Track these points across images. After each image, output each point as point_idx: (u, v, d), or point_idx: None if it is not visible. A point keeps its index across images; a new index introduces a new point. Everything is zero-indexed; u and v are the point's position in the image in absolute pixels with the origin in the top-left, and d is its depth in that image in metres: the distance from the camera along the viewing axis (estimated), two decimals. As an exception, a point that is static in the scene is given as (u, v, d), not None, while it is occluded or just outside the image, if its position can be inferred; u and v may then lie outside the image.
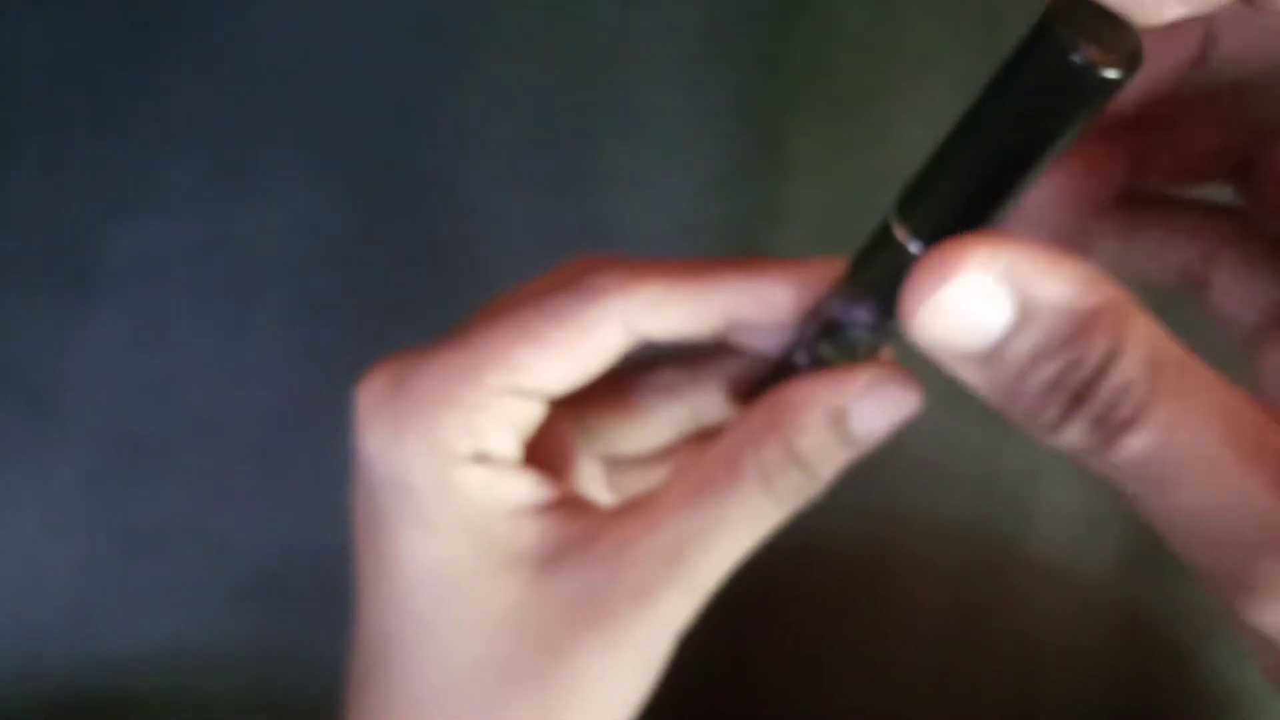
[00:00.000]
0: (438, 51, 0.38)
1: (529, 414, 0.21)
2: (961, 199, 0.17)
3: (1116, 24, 0.15)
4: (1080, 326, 0.15)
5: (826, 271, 0.20)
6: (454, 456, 0.20)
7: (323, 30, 0.38)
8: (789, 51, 0.38)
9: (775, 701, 0.39)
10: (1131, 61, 0.14)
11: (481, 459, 0.20)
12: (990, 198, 0.17)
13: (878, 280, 0.19)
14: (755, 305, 0.21)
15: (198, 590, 0.38)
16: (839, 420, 0.20)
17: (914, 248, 0.17)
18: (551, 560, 0.20)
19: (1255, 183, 0.20)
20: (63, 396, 0.38)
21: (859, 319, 0.20)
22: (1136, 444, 0.15)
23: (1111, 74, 0.14)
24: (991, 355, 0.16)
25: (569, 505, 0.21)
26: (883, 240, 0.18)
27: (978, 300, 0.15)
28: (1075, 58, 0.14)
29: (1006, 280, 0.15)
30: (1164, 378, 0.15)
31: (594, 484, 0.25)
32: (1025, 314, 0.15)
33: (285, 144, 0.38)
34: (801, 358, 0.21)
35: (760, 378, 0.23)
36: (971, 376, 0.16)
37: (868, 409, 0.20)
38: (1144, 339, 0.15)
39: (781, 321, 0.21)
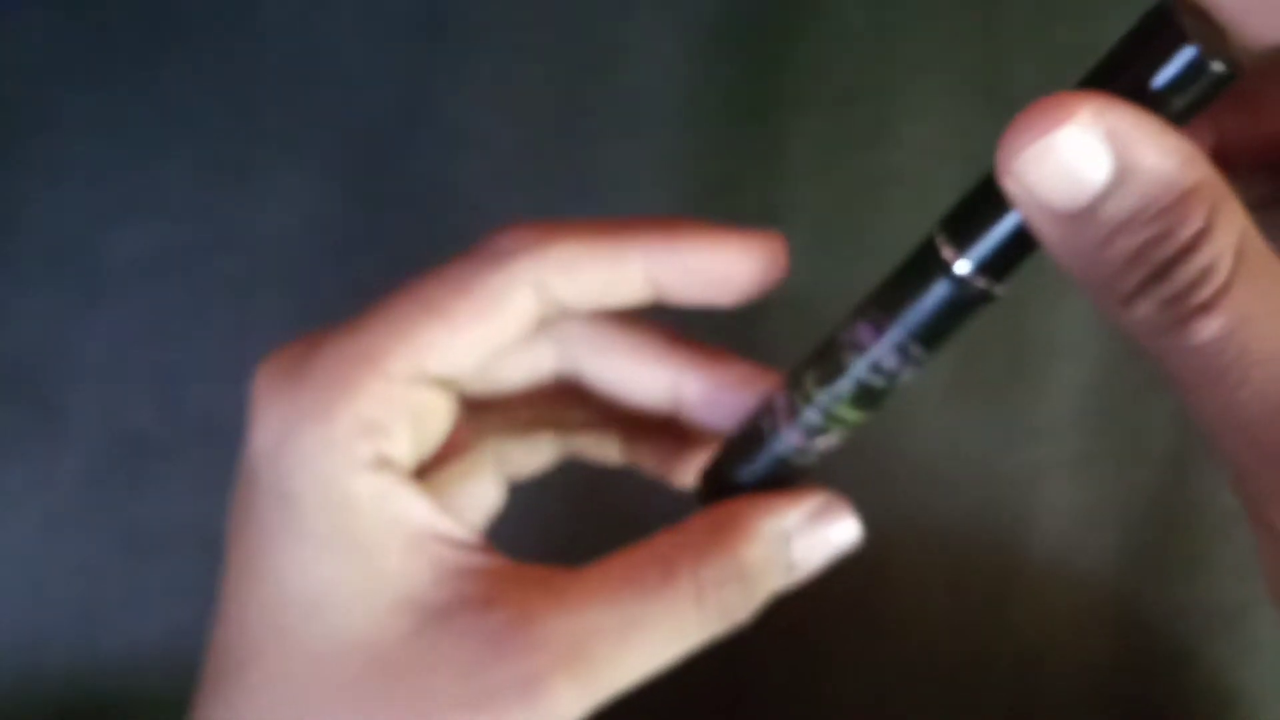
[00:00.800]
0: (437, 51, 0.38)
1: (438, 407, 0.19)
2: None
3: (1218, 31, 0.15)
4: (1177, 199, 0.14)
5: (752, 240, 0.20)
6: (347, 460, 0.18)
7: (323, 30, 0.38)
8: (788, 52, 0.38)
9: (773, 697, 0.39)
10: (1237, 65, 0.14)
11: (379, 464, 0.18)
12: None
13: (909, 303, 0.17)
14: (675, 267, 0.19)
15: (199, 589, 0.38)
16: (785, 542, 0.19)
17: (962, 267, 0.16)
18: (442, 615, 0.18)
19: None
20: (64, 396, 0.38)
21: (868, 345, 0.18)
22: (1209, 328, 0.14)
23: (1220, 68, 0.14)
24: (1082, 214, 0.15)
25: (470, 551, 0.19)
26: (923, 260, 0.17)
27: (1081, 152, 0.14)
28: (1191, 50, 0.14)
29: (1113, 138, 0.14)
30: (1248, 268, 0.14)
31: (492, 479, 0.23)
32: (1125, 175, 0.14)
33: (286, 144, 0.38)
34: (780, 402, 0.20)
35: (727, 445, 0.21)
36: (1055, 236, 0.15)
37: (814, 538, 0.20)
38: (1235, 225, 0.14)
39: (702, 290, 0.19)
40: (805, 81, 0.38)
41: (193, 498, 0.38)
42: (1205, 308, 0.14)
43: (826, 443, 0.20)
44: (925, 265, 0.17)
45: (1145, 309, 0.15)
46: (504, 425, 0.23)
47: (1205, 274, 0.14)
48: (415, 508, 0.18)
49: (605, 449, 0.24)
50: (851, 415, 0.19)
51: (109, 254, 0.38)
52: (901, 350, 0.18)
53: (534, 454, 0.24)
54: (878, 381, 0.18)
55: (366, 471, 0.18)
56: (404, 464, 0.19)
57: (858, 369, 0.18)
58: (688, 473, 0.23)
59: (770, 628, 0.39)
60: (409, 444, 0.19)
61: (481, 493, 0.23)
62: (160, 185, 0.38)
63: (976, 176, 0.17)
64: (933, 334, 0.18)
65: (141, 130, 0.38)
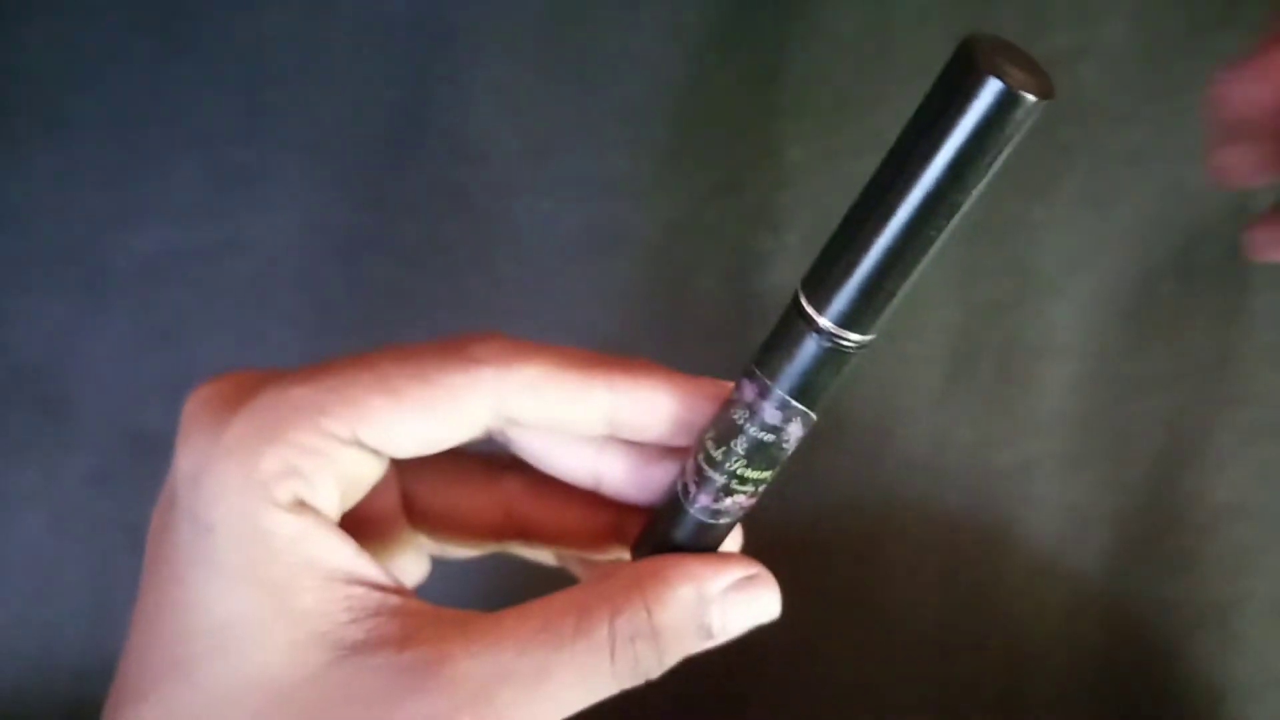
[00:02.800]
0: (443, 57, 0.38)
1: (365, 472, 0.19)
2: (877, 259, 0.16)
3: (1028, 62, 0.15)
4: None
5: (713, 389, 0.20)
6: (267, 499, 0.18)
7: (329, 35, 0.38)
8: (784, 60, 0.38)
9: (767, 687, 0.39)
10: (1046, 92, 0.14)
11: (298, 508, 0.18)
12: (908, 254, 0.16)
13: (787, 362, 0.18)
14: (637, 407, 0.19)
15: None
16: (703, 605, 0.19)
17: (825, 323, 0.17)
18: (356, 650, 0.18)
19: None
20: (73, 396, 0.38)
21: (751, 403, 0.18)
22: None
23: (1031, 98, 0.14)
24: None
25: (388, 592, 0.18)
26: (791, 318, 0.18)
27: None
28: (996, 82, 0.14)
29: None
30: None
31: (415, 555, 0.23)
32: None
33: (293, 148, 0.38)
34: (689, 465, 0.20)
35: (652, 515, 0.21)
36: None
37: (734, 605, 0.20)
38: None
39: (658, 431, 0.20)
40: (801, 89, 0.38)
41: (200, 497, 0.38)
42: None
43: (737, 502, 0.19)
44: (793, 322, 0.17)
45: None
46: (440, 525, 0.23)
47: None
48: (335, 550, 0.18)
49: (538, 554, 0.24)
50: (751, 473, 0.19)
51: (117, 257, 0.38)
52: (782, 406, 0.18)
53: (464, 550, 0.24)
54: (767, 438, 0.18)
55: (285, 512, 0.18)
56: (326, 512, 0.19)
57: (747, 427, 0.18)
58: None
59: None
60: (333, 496, 0.19)
61: (405, 569, 0.23)
62: (168, 189, 0.38)
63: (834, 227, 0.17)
64: (808, 388, 0.18)
65: (149, 135, 0.38)
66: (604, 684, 0.18)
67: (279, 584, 0.18)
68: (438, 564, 0.25)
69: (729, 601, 0.19)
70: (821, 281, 0.17)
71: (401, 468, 0.21)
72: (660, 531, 0.20)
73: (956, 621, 0.39)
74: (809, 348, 0.17)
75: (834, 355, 0.17)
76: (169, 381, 0.39)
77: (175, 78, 0.38)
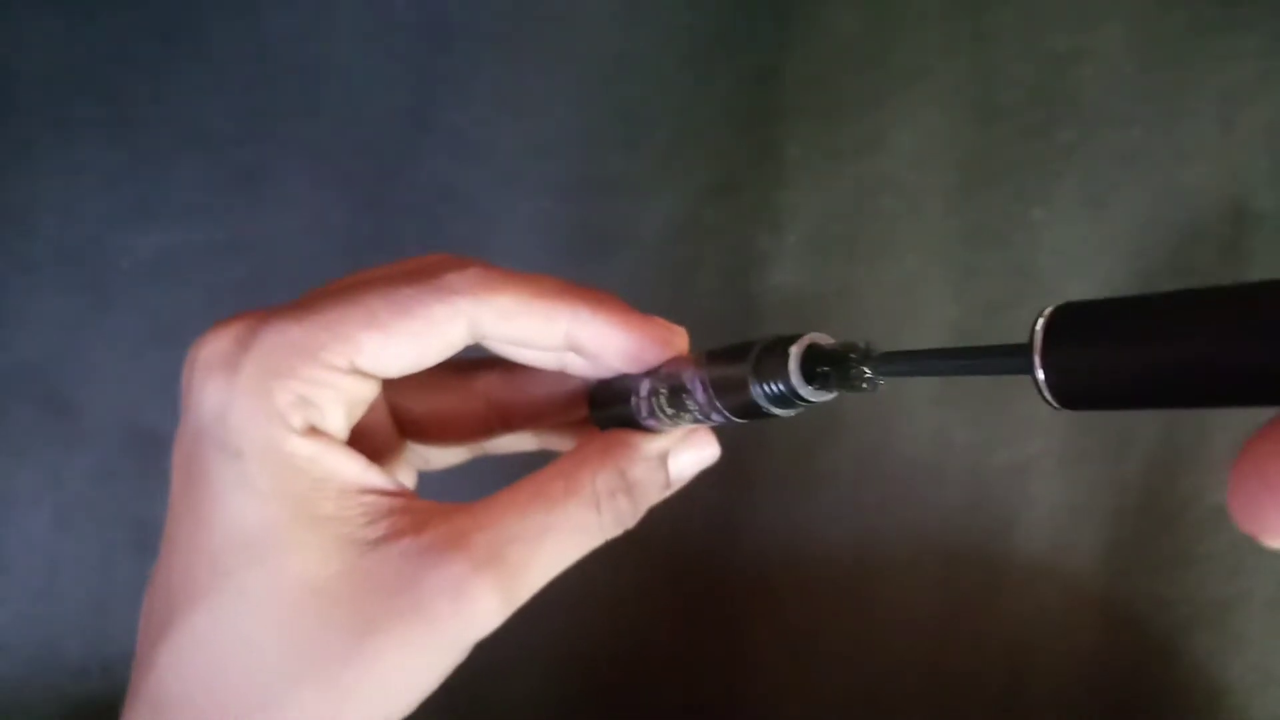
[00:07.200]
0: (444, 60, 0.38)
1: (363, 392, 0.22)
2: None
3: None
4: None
5: (664, 333, 0.22)
6: (285, 426, 0.20)
7: (332, 39, 0.38)
8: (784, 62, 0.39)
9: (767, 688, 0.39)
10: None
11: (312, 433, 0.21)
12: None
13: (726, 387, 0.20)
14: (595, 338, 0.22)
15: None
16: (662, 459, 0.22)
17: (759, 394, 0.19)
18: (375, 544, 0.20)
19: None
20: (76, 395, 0.38)
21: (694, 391, 0.21)
22: None
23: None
24: None
25: (397, 494, 0.21)
26: (740, 356, 0.20)
27: None
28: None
29: None
30: None
31: (407, 468, 0.26)
32: None
33: (295, 150, 0.38)
34: (645, 388, 0.22)
35: (599, 391, 0.24)
36: None
37: (685, 453, 0.23)
38: None
39: (609, 361, 0.22)
40: (799, 91, 0.39)
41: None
42: None
43: (663, 427, 0.23)
44: (741, 364, 0.19)
45: None
46: (429, 431, 0.26)
47: None
48: (347, 465, 0.21)
49: (520, 442, 0.27)
50: (683, 419, 0.22)
51: (120, 257, 0.38)
52: (715, 406, 0.20)
53: (448, 457, 0.27)
54: (700, 416, 0.21)
55: (301, 437, 0.20)
56: (337, 434, 0.21)
57: (685, 399, 0.21)
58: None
59: (765, 620, 0.39)
60: (340, 418, 0.21)
61: (401, 479, 0.25)
62: (172, 191, 0.38)
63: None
64: (735, 410, 0.20)
65: (153, 137, 0.38)
66: (593, 534, 0.21)
67: (302, 497, 0.20)
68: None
69: (680, 452, 0.23)
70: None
71: (388, 386, 0.24)
72: (615, 412, 0.24)
73: (956, 620, 0.39)
74: (745, 392, 0.19)
75: (759, 411, 0.19)
76: (170, 380, 0.39)
77: (177, 79, 0.38)
